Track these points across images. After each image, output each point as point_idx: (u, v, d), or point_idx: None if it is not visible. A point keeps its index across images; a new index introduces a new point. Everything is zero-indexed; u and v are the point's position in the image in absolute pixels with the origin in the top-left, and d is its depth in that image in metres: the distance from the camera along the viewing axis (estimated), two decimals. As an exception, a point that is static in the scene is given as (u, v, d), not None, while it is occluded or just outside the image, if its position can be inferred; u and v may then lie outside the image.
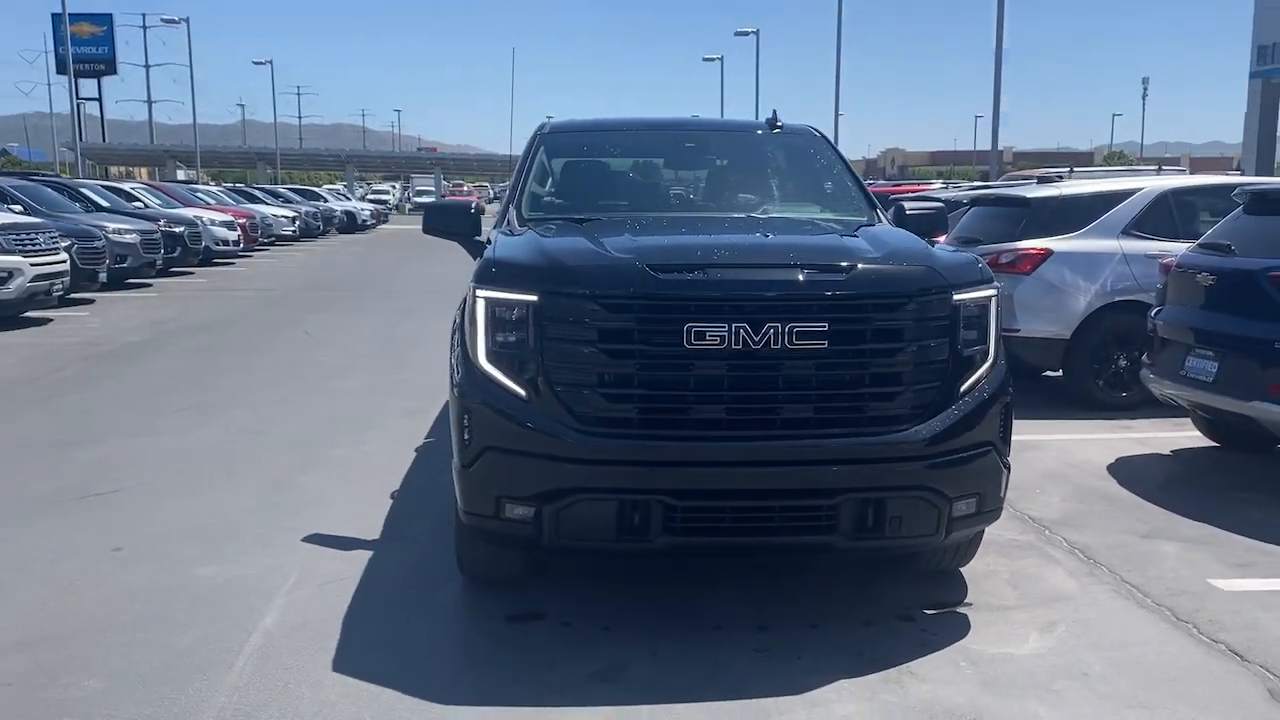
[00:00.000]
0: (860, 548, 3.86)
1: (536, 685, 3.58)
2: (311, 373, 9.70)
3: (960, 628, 4.07)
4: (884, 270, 3.83)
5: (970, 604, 4.29)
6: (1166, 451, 6.88)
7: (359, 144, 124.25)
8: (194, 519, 5.33)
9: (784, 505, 3.72)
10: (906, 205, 5.21)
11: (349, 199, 45.08)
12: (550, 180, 5.28)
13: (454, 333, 4.32)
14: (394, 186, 72.71)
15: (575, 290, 3.69)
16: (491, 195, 75.24)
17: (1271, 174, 43.37)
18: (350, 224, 38.29)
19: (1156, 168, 25.52)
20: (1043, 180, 10.05)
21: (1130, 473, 6.30)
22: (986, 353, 3.96)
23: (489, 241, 4.72)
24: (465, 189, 67.05)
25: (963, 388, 3.87)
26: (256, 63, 60.60)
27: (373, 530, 5.17)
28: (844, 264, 3.78)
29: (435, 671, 3.69)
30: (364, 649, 3.84)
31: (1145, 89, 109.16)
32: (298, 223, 30.78)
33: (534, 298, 3.74)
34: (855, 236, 4.25)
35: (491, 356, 3.85)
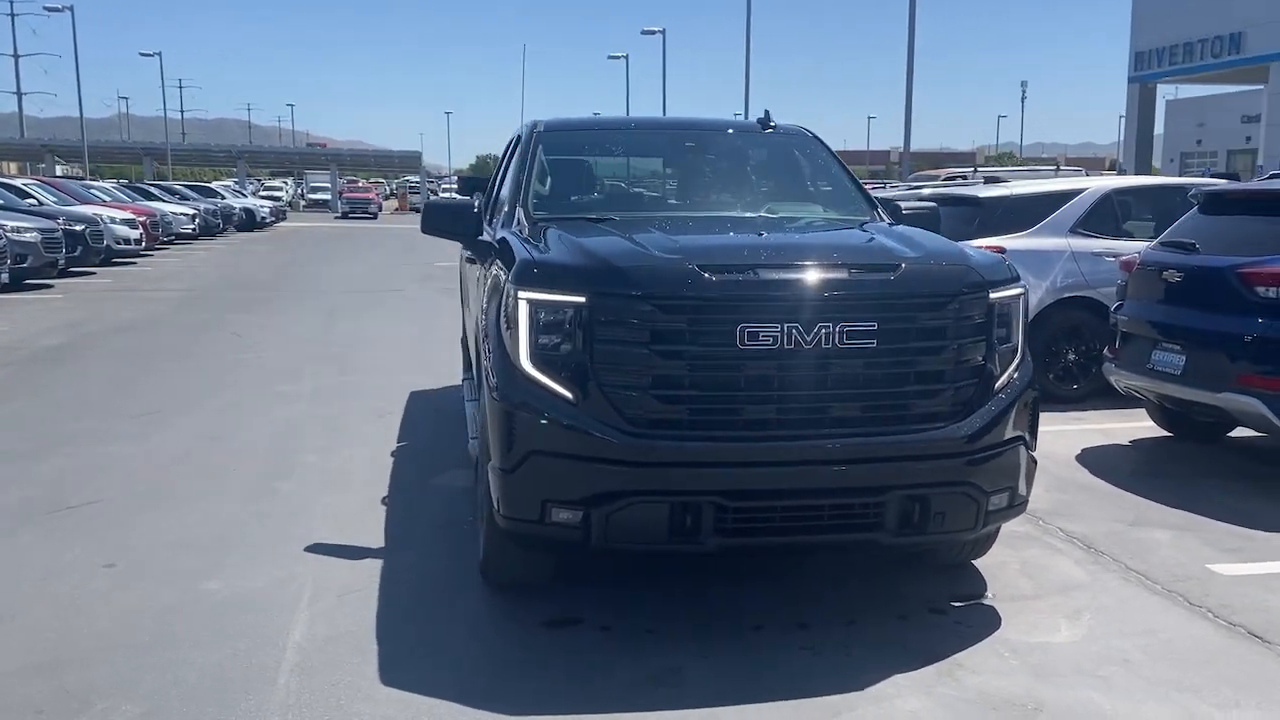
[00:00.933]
0: (903, 543, 3.92)
1: (596, 691, 3.54)
2: (255, 376, 9.40)
3: (991, 619, 4.16)
4: (929, 270, 3.89)
5: (993, 595, 4.39)
6: (1125, 441, 7.14)
7: (244, 139, 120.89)
8: (182, 531, 5.12)
9: (832, 503, 3.75)
10: (903, 206, 5.31)
11: (244, 196, 43.77)
12: (553, 179, 5.21)
13: (481, 337, 4.20)
14: (286, 183, 70.90)
15: (628, 292, 3.66)
16: (389, 191, 74.04)
17: (1149, 172, 45.47)
18: (249, 221, 37.18)
19: (1055, 168, 26.38)
20: (950, 178, 10.32)
21: (1099, 463, 6.53)
22: (1016, 349, 4.06)
23: (498, 242, 4.65)
24: (360, 185, 65.77)
25: (997, 384, 3.95)
26: (144, 54, 58.43)
27: (373, 538, 5.04)
28: (891, 264, 3.83)
29: (488, 680, 3.62)
30: (406, 660, 3.75)
31: (1024, 92, 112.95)
32: (198, 220, 29.76)
33: (582, 299, 3.69)
34: (888, 237, 4.31)
35: (535, 359, 3.78)
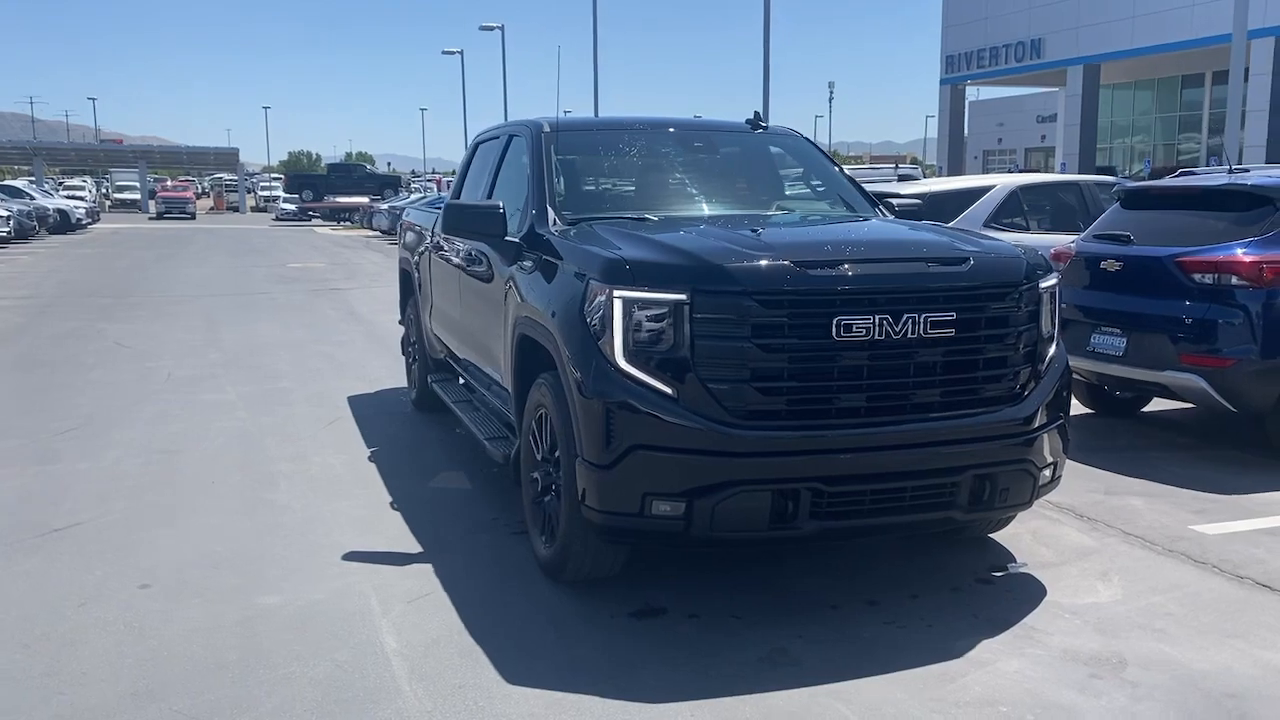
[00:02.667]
0: (974, 519, 4.21)
1: (717, 674, 3.65)
2: (170, 386, 8.95)
3: (1034, 585, 4.49)
4: (994, 261, 4.17)
5: (1025, 564, 4.72)
6: (1055, 420, 7.70)
7: (27, 135, 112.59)
8: (197, 547, 4.91)
9: (916, 485, 3.98)
10: (895, 202, 5.63)
11: (52, 195, 40.92)
12: (572, 179, 5.23)
13: (562, 341, 4.15)
14: (86, 181, 66.58)
15: (730, 288, 3.78)
16: (201, 190, 70.55)
17: (963, 169, 48.29)
18: (64, 223, 34.82)
19: (894, 166, 27.75)
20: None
21: (1043, 440, 7.04)
22: (1054, 334, 4.40)
23: (547, 242, 4.69)
24: (169, 184, 62.52)
25: (1043, 367, 4.28)
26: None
27: (405, 544, 4.97)
28: (962, 257, 4.09)
29: (607, 671, 3.67)
30: (516, 659, 3.76)
31: (831, 93, 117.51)
32: (12, 223, 27.69)
33: (683, 296, 3.79)
34: (933, 232, 4.58)
35: (631, 356, 3.87)
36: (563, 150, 5.35)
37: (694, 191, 5.47)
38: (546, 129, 5.46)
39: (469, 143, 7.00)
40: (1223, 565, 4.69)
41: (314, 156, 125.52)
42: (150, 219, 50.80)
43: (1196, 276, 6.24)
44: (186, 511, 5.47)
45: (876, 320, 3.83)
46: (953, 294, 3.97)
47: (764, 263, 3.87)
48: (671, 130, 5.78)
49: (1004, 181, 9.34)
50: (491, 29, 39.94)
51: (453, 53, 45.94)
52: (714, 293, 3.78)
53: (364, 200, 45.43)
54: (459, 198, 6.76)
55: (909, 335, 3.87)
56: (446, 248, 6.51)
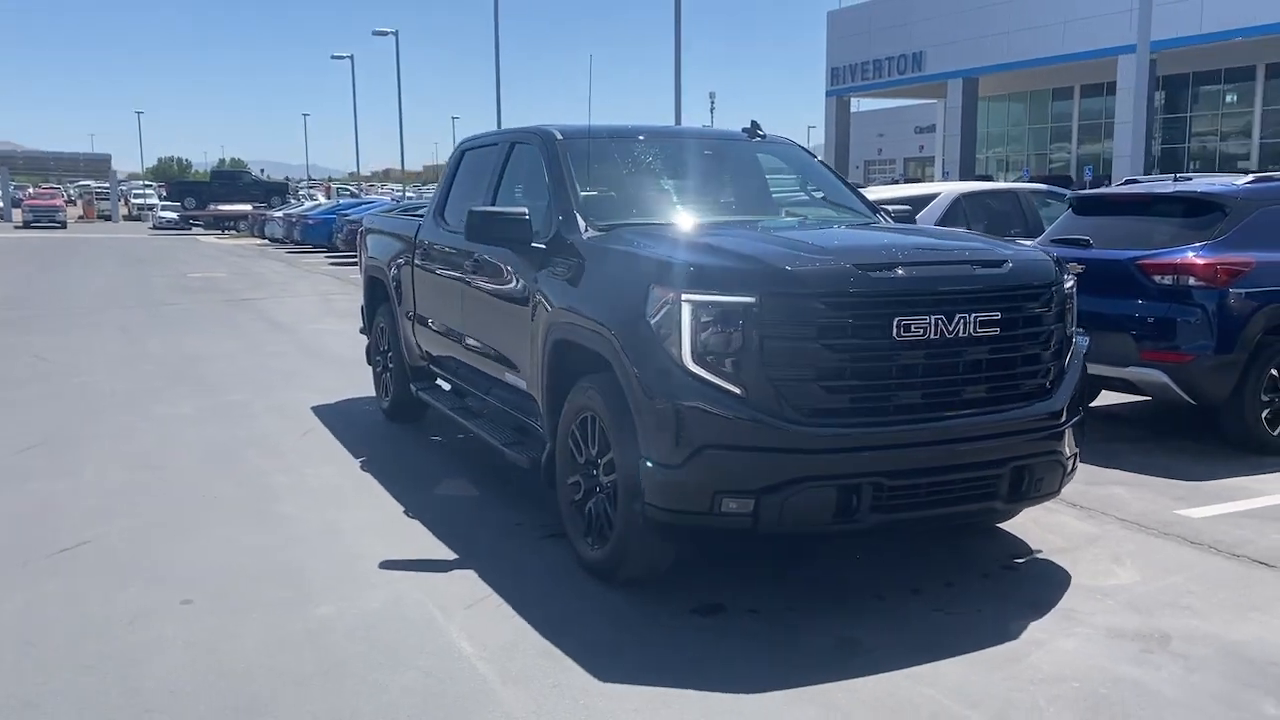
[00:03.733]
0: (1011, 509, 4.44)
1: (798, 664, 3.78)
2: (116, 401, 8.64)
3: (1056, 570, 4.74)
4: (1029, 263, 4.41)
5: (1040, 550, 4.98)
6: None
7: None
8: (224, 560, 4.81)
9: (964, 477, 4.18)
10: (889, 207, 5.87)
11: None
12: (593, 187, 5.28)
13: (622, 345, 4.20)
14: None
15: (797, 290, 3.92)
16: (70, 197, 67.39)
17: (847, 175, 49.71)
18: (-72, 233, 32.91)
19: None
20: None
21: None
22: (1074, 332, 4.67)
23: (559, 250, 4.76)
24: (30, 191, 59.71)
25: (1067, 363, 4.54)
26: None
27: (437, 551, 4.96)
28: (1001, 260, 4.32)
29: (700, 666, 3.75)
30: (599, 658, 3.81)
31: (713, 103, 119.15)
32: (-124, 233, 26.07)
33: (752, 299, 3.91)
34: (970, 238, 4.80)
35: (699, 358, 3.97)
36: (584, 159, 5.40)
37: (709, 197, 5.61)
38: (559, 136, 5.51)
39: (453, 150, 6.98)
40: (1218, 546, 5.03)
41: (184, 163, 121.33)
42: (16, 228, 48.39)
43: (1156, 278, 6.65)
44: (195, 526, 5.34)
45: (932, 320, 4.02)
46: (997, 294, 4.19)
47: (829, 266, 4.03)
48: (679, 138, 5.89)
49: (948, 189, 9.75)
50: (385, 34, 39.36)
51: (342, 57, 45.11)
52: (782, 295, 3.92)
53: (248, 208, 44.22)
54: (444, 205, 6.75)
55: (960, 334, 4.08)
56: (439, 255, 6.49)
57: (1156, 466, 6.42)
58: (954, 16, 41.84)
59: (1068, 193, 10.50)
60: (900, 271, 4.08)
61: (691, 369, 3.98)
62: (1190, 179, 7.80)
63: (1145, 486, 6.03)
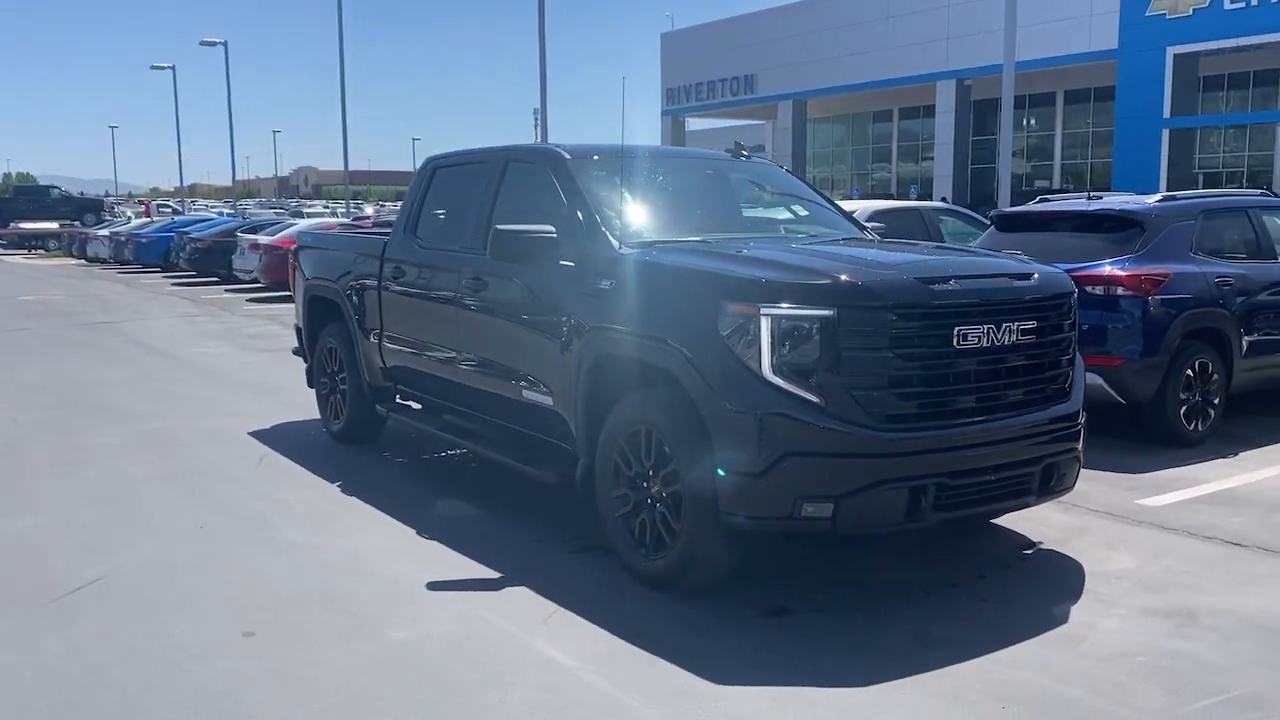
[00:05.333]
0: (1041, 503, 4.78)
1: (887, 657, 3.98)
2: (26, 432, 8.11)
3: (1062, 560, 5.12)
4: (1050, 275, 4.78)
5: (1042, 542, 5.36)
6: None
7: None
8: (257, 590, 4.67)
9: (1009, 475, 4.50)
10: (869, 224, 6.20)
11: None
12: (613, 206, 5.35)
13: (693, 358, 4.32)
14: None
15: (872, 303, 4.15)
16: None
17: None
18: None
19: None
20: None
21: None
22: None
23: (595, 268, 4.87)
24: None
25: (1075, 368, 4.94)
26: None
27: (474, 570, 4.92)
28: (1028, 273, 4.67)
29: (796, 665, 3.91)
30: (702, 663, 3.90)
31: (536, 120, 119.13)
32: None
33: (830, 312, 4.12)
34: (984, 254, 5.14)
35: (779, 369, 4.14)
36: (599, 178, 5.47)
37: (722, 214, 5.78)
38: (568, 155, 5.58)
39: (421, 168, 6.91)
40: (1190, 530, 5.54)
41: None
42: None
43: (1089, 289, 7.21)
44: (205, 557, 5.13)
45: (985, 329, 4.32)
46: (1031, 304, 4.54)
47: (898, 279, 4.28)
48: (676, 158, 6.05)
49: (863, 206, 10.23)
50: (213, 44, 37.73)
51: (162, 68, 42.96)
52: (858, 308, 4.14)
53: (55, 226, 41.51)
54: (416, 224, 6.67)
55: (1005, 342, 4.40)
56: (417, 272, 6.41)
57: (1102, 462, 6.94)
58: (784, 41, 43.54)
59: (963, 210, 11.20)
60: (954, 284, 4.37)
61: (771, 380, 4.14)
62: (1101, 198, 8.49)
63: (1100, 480, 6.54)
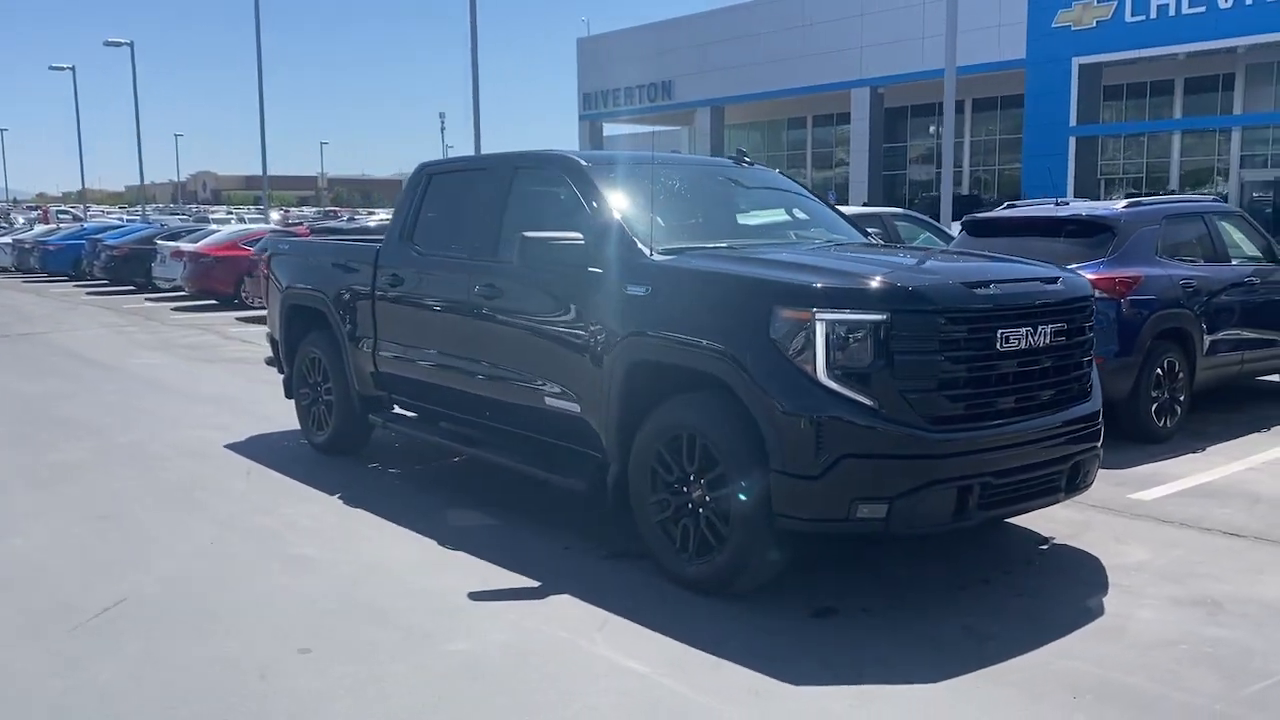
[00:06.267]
0: (1068, 500, 4.93)
1: (947, 653, 4.08)
2: (-12, 448, 7.77)
3: (1078, 553, 5.29)
4: (1072, 279, 4.95)
5: (1054, 537, 5.53)
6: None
7: None
8: (291, 606, 4.58)
9: (1042, 474, 4.64)
10: (869, 229, 6.33)
11: None
12: (637, 213, 5.34)
13: (745, 363, 4.36)
14: None
15: (924, 307, 4.25)
16: None
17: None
18: None
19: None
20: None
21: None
22: (1090, 341, 5.26)
23: (628, 274, 4.89)
24: None
25: (1092, 368, 5.12)
26: None
27: (510, 580, 4.88)
28: (1054, 277, 4.83)
29: (862, 664, 3.98)
30: (770, 664, 3.94)
31: (443, 122, 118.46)
32: None
33: (884, 316, 4.20)
34: (1004, 259, 5.28)
35: (833, 372, 4.21)
36: (618, 187, 5.47)
37: (735, 220, 5.83)
38: (587, 163, 5.58)
39: (414, 175, 6.81)
40: (1187, 523, 5.78)
41: None
42: None
43: (1065, 291, 7.47)
44: (228, 573, 5.00)
45: (1024, 331, 4.46)
46: (1061, 307, 4.69)
47: (946, 284, 4.38)
48: (689, 165, 6.08)
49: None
50: (119, 45, 36.46)
51: (61, 69, 41.38)
52: (911, 312, 4.23)
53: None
54: (412, 230, 6.59)
55: (1039, 344, 4.54)
56: (419, 280, 6.33)
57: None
58: (701, 48, 43.90)
59: (918, 215, 11.46)
60: (994, 289, 4.49)
61: (826, 384, 4.20)
62: (1069, 203, 8.78)
63: (1086, 476, 6.77)
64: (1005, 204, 9.07)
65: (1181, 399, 7.84)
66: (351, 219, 37.60)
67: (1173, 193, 31.49)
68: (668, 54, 45.12)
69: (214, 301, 19.82)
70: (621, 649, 4.11)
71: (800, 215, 6.20)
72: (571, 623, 4.37)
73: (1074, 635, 4.25)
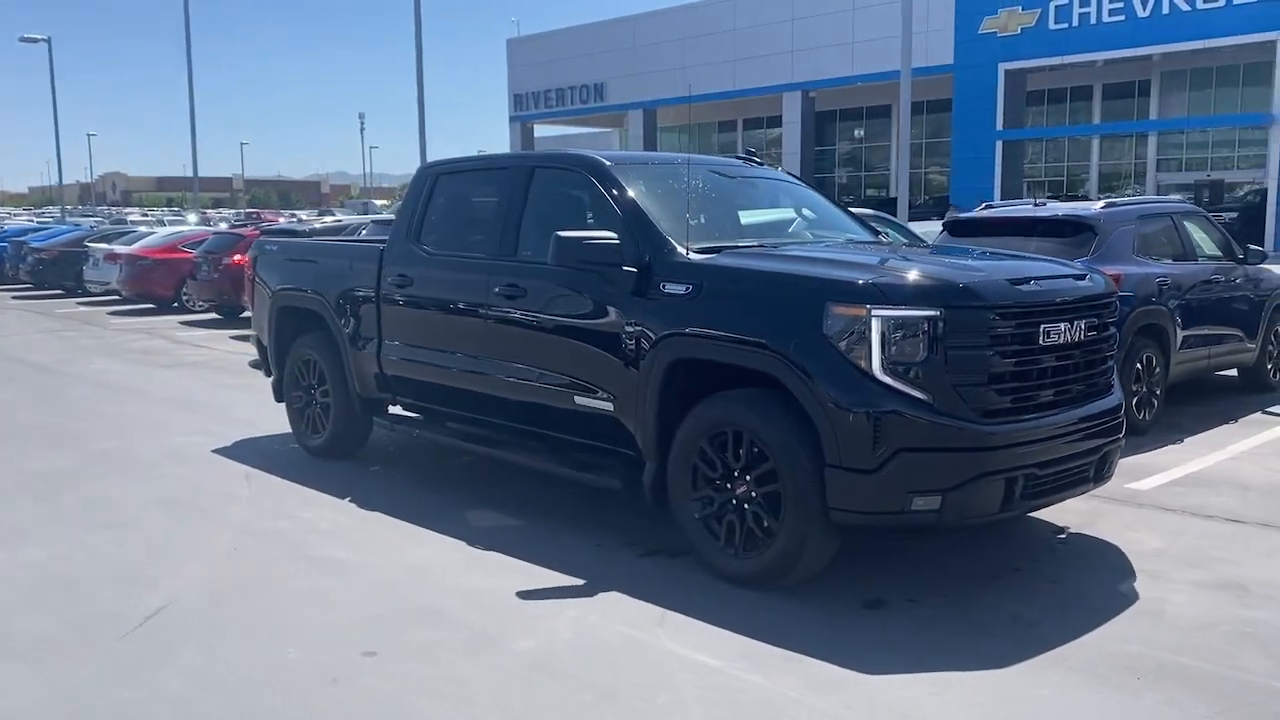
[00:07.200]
0: (1094, 490, 5.10)
1: (1000, 639, 4.20)
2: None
3: (1097, 542, 5.46)
4: (1099, 278, 5.11)
5: (1069, 527, 5.70)
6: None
7: None
8: (349, 611, 4.52)
9: (1077, 464, 4.79)
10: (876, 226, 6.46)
11: None
12: (668, 212, 5.37)
13: (799, 359, 4.42)
14: None
15: (975, 303, 4.37)
16: None
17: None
18: None
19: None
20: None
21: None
22: (1106, 336, 5.44)
23: (667, 273, 4.94)
24: None
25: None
26: None
27: (552, 579, 4.88)
28: (1084, 273, 4.99)
29: (925, 654, 4.07)
30: (839, 654, 4.01)
31: (362, 125, 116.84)
32: None
33: (936, 312, 4.31)
34: (1031, 257, 5.43)
35: (889, 367, 4.30)
36: (641, 185, 5.50)
37: (760, 219, 5.90)
38: (611, 163, 5.59)
39: (419, 175, 6.76)
40: (1188, 510, 6.00)
41: None
42: None
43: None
44: (263, 579, 4.93)
45: (1063, 326, 4.60)
46: (1091, 302, 4.85)
47: (993, 281, 4.51)
48: (705, 165, 6.12)
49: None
50: (35, 41, 35.24)
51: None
52: (963, 308, 4.34)
53: None
54: (419, 230, 6.53)
55: (1075, 338, 4.69)
56: (431, 281, 6.28)
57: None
58: (633, 50, 44.06)
59: (884, 215, 11.66)
60: (1034, 285, 4.63)
61: (882, 379, 4.29)
62: (1045, 203, 9.04)
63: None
64: (982, 204, 9.30)
65: (1158, 392, 8.12)
66: (300, 220, 36.76)
67: (1086, 196, 32.54)
68: (600, 56, 45.21)
69: (152, 306, 19.34)
70: (687, 643, 4.14)
71: (813, 214, 6.29)
72: (631, 619, 4.39)
73: (1117, 620, 4.40)
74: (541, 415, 5.72)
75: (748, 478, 4.66)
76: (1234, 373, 9.69)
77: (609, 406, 5.27)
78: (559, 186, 5.82)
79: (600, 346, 5.26)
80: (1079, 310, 4.74)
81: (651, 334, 4.99)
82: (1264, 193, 31.73)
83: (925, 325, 4.31)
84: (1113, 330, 5.08)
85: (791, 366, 4.45)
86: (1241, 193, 34.51)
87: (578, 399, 5.43)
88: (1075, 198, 28.32)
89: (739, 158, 6.49)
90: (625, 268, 5.14)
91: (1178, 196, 10.31)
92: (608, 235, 5.15)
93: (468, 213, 6.37)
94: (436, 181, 6.61)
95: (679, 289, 4.94)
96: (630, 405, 5.13)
